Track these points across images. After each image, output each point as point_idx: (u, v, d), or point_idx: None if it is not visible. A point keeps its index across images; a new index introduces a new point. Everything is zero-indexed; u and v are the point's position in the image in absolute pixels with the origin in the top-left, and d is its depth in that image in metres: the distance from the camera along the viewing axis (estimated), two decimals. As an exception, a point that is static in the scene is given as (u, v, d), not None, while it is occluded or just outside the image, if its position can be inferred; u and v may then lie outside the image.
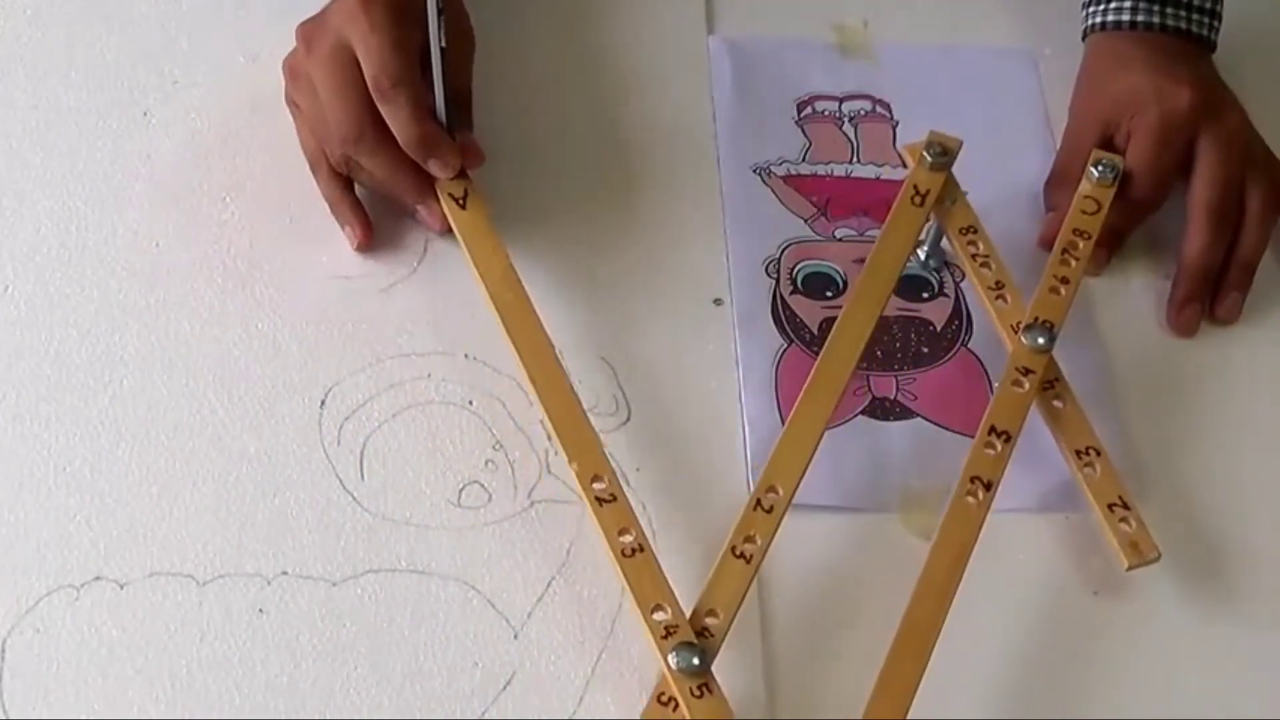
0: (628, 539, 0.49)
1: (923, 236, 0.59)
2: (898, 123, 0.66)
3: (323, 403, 0.54)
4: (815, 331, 0.57)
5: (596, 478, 0.50)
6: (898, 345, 0.58)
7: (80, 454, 0.53)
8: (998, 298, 0.55)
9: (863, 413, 0.54)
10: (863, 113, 0.67)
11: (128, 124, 0.64)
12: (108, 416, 0.54)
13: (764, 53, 0.69)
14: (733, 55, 0.68)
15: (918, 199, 0.57)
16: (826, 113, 0.67)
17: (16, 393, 0.54)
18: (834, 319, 0.59)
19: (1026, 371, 0.53)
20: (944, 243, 0.60)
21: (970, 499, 0.50)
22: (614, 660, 0.50)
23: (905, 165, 0.63)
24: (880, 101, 0.67)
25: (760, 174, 0.64)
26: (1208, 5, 0.63)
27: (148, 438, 0.53)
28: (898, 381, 0.56)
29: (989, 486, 0.50)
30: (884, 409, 0.55)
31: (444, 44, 0.53)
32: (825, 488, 0.52)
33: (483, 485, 0.53)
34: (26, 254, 0.60)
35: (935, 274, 0.59)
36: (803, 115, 0.67)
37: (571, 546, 0.52)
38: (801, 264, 0.59)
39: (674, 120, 0.67)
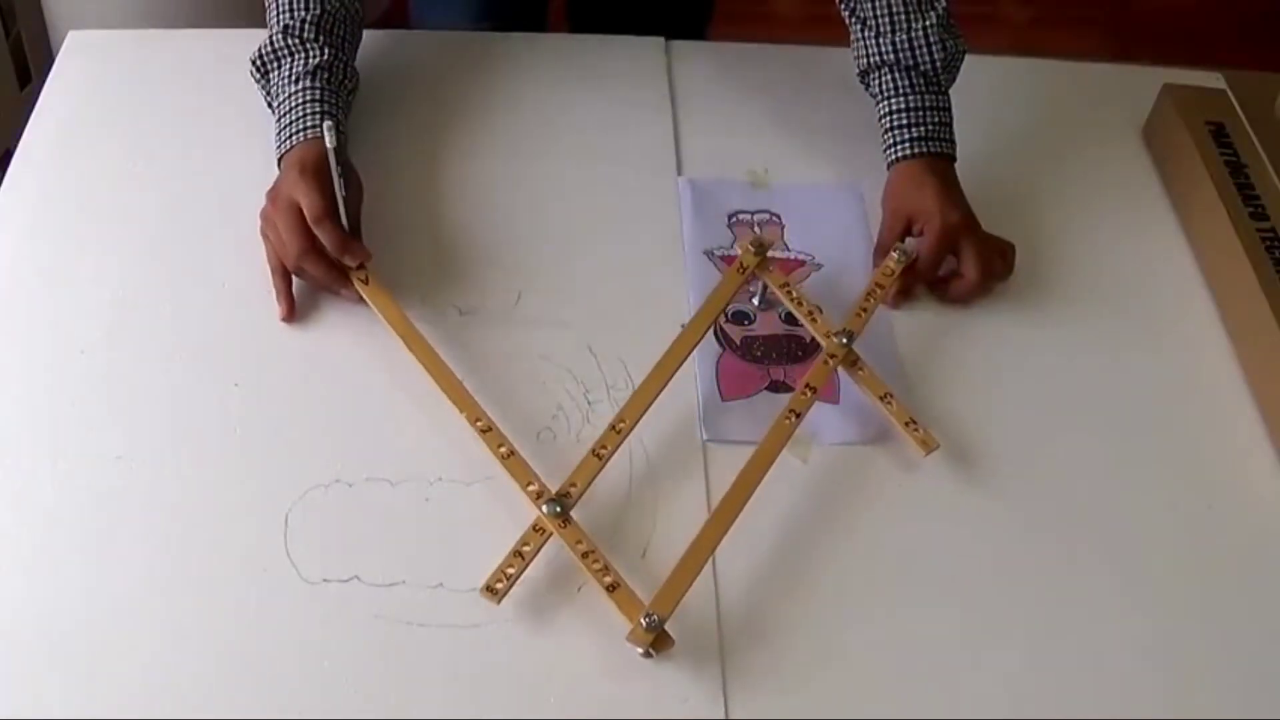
0: (504, 449, 0.69)
1: (755, 288, 0.84)
2: (785, 226, 0.91)
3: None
4: (738, 343, 0.82)
5: (479, 418, 0.71)
6: (785, 350, 0.82)
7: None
8: (811, 319, 0.80)
9: (766, 389, 0.80)
10: (765, 220, 0.91)
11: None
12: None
13: (710, 186, 0.92)
14: (693, 188, 0.92)
15: (741, 270, 0.80)
16: (744, 220, 0.91)
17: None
18: (749, 337, 0.82)
19: (831, 357, 0.78)
20: (769, 295, 0.83)
21: (786, 421, 0.73)
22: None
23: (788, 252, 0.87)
24: (774, 214, 0.91)
25: (708, 255, 0.88)
26: (950, 135, 0.88)
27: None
28: (785, 370, 0.81)
29: (799, 415, 0.73)
30: (776, 387, 0.81)
31: (344, 192, 0.78)
32: (745, 429, 0.76)
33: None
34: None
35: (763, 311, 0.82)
36: (731, 221, 0.91)
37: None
38: (730, 304, 0.82)
39: (655, 228, 0.89)
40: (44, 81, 0.95)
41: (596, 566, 0.67)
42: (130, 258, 0.84)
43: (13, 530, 0.69)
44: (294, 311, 0.80)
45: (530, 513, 0.69)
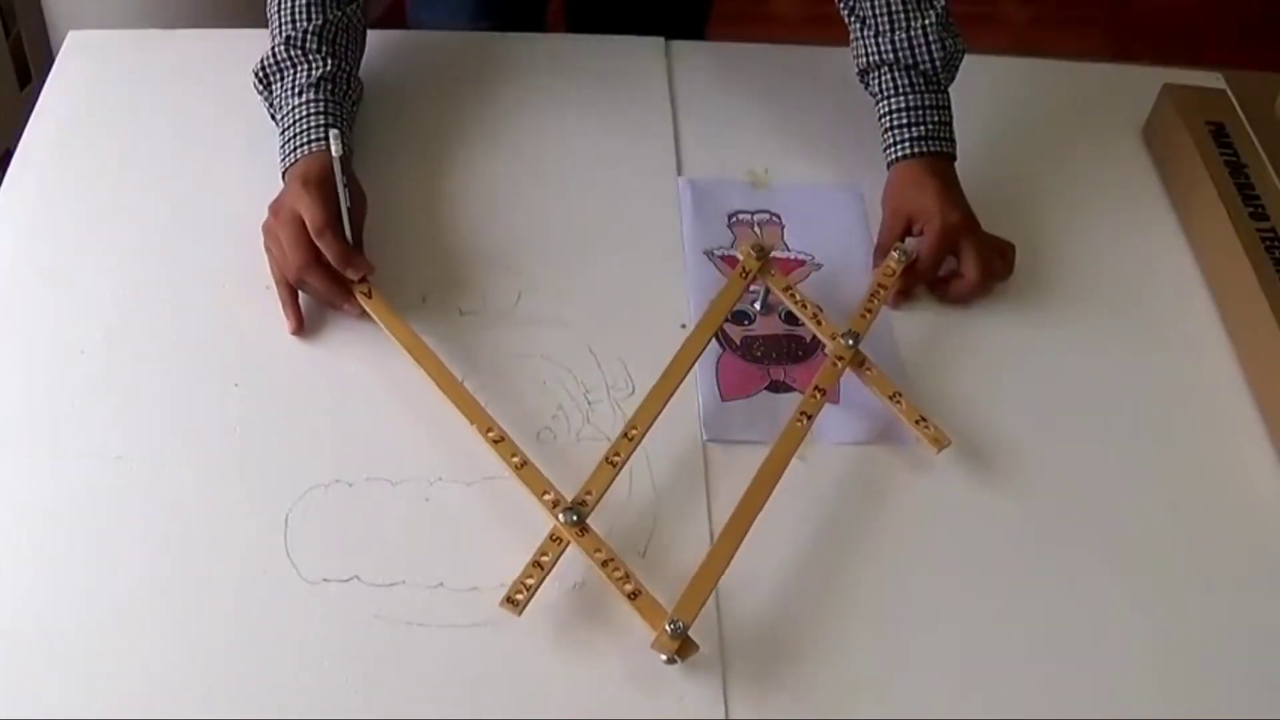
0: (517, 459, 0.69)
1: (756, 289, 0.84)
2: (785, 226, 0.92)
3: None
4: (738, 343, 0.83)
5: (490, 429, 0.70)
6: (785, 350, 0.83)
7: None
8: (816, 321, 0.81)
9: (766, 389, 0.81)
10: (765, 220, 0.92)
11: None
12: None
13: (710, 186, 0.93)
14: (693, 188, 0.93)
15: (745, 274, 0.81)
16: (744, 220, 0.92)
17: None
18: (749, 337, 0.82)
19: (840, 359, 0.79)
20: (770, 298, 0.84)
21: (798, 424, 0.74)
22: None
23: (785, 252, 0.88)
24: (774, 214, 0.92)
25: (708, 255, 0.89)
26: (950, 135, 0.88)
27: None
28: (785, 370, 0.82)
29: (811, 418, 0.75)
30: (776, 387, 0.81)
31: (349, 204, 0.79)
32: (745, 429, 0.77)
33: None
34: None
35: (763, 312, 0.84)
36: (731, 222, 0.92)
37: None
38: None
39: (655, 228, 0.91)
40: (44, 81, 0.96)
41: (617, 575, 0.67)
42: (130, 258, 0.85)
43: (13, 530, 0.70)
44: (302, 325, 0.80)
45: (537, 516, 0.70)
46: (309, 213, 0.78)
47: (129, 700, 0.64)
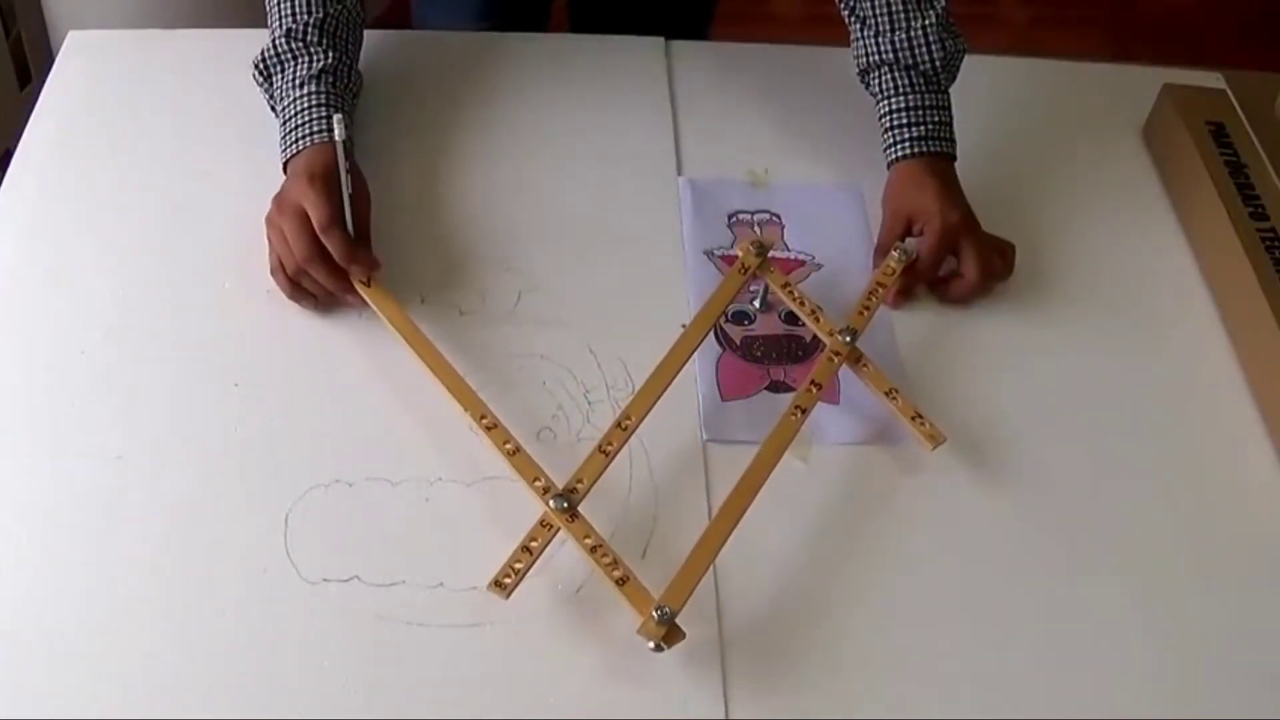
0: (509, 446, 0.70)
1: (756, 288, 0.85)
2: (785, 226, 0.92)
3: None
4: (738, 343, 0.83)
5: (484, 416, 0.72)
6: (785, 350, 0.83)
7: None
8: (814, 318, 0.81)
9: (766, 389, 0.81)
10: (765, 220, 0.93)
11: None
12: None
13: (710, 186, 0.94)
14: (693, 187, 0.94)
15: (743, 270, 0.81)
16: (744, 220, 0.92)
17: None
18: (749, 337, 0.83)
19: (836, 354, 0.79)
20: (770, 296, 0.85)
21: (792, 417, 0.74)
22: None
23: (786, 251, 0.88)
24: (774, 214, 0.93)
25: (708, 255, 0.89)
26: (950, 135, 0.89)
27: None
28: (785, 370, 0.82)
29: (805, 412, 0.75)
30: (776, 387, 0.81)
31: (350, 190, 0.78)
32: (745, 429, 0.77)
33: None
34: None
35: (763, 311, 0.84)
36: (731, 221, 0.92)
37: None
38: (731, 304, 0.82)
39: (655, 228, 0.91)
40: (44, 81, 0.96)
41: (605, 560, 0.67)
42: (130, 258, 0.85)
43: (13, 530, 0.70)
44: (319, 299, 0.81)
45: (534, 512, 0.70)
46: (315, 209, 0.78)
47: (129, 700, 0.64)
